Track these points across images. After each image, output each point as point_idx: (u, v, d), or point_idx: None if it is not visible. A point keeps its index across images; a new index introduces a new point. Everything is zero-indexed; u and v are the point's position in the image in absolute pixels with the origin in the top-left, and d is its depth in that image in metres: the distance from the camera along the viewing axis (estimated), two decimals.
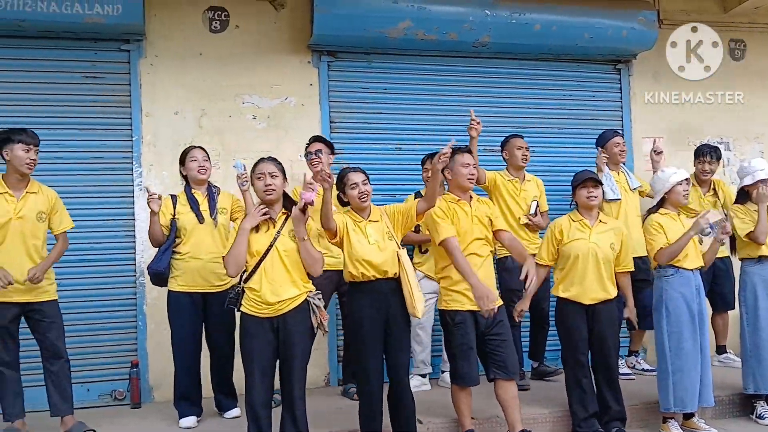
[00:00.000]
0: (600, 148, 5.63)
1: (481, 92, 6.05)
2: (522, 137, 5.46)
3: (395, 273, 3.96)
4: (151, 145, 5.36)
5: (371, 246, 3.94)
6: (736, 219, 4.86)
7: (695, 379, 4.43)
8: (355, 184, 4.01)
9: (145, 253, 5.17)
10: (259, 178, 3.76)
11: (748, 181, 4.85)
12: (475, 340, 4.13)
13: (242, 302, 3.74)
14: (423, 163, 5.31)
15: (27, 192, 4.21)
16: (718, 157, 5.80)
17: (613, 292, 4.45)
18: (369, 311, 3.93)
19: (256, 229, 3.72)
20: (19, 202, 4.18)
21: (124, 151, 5.33)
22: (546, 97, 6.24)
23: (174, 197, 4.64)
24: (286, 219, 3.77)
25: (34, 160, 4.17)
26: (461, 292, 4.10)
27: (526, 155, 5.37)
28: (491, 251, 4.31)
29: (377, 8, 5.48)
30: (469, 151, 4.34)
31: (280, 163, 3.85)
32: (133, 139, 5.33)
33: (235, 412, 4.69)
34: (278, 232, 3.71)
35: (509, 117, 6.07)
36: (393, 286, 3.96)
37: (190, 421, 4.53)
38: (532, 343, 5.56)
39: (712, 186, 5.81)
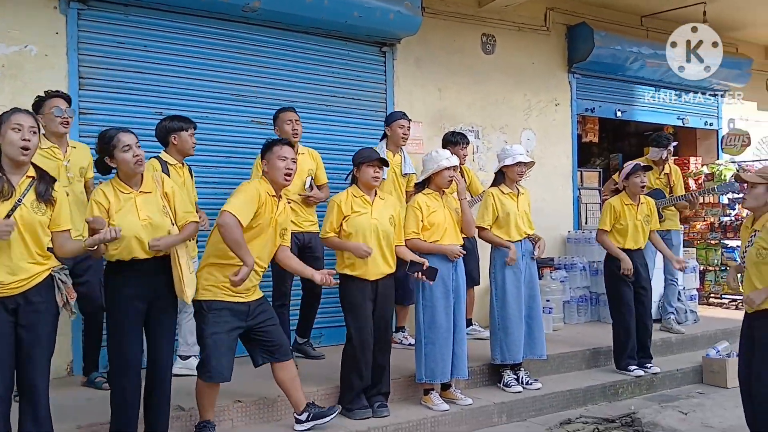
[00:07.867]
0: (387, 127, 5.73)
1: (249, 61, 5.80)
2: (293, 110, 5.25)
3: (165, 253, 3.59)
4: None
5: (141, 222, 3.53)
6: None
7: (447, 352, 4.64)
8: (128, 146, 3.53)
9: None
10: (17, 130, 3.15)
11: (508, 161, 5.12)
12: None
13: None
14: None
15: None
16: (468, 143, 6.20)
17: (393, 267, 4.53)
18: (130, 293, 3.54)
19: None
20: None
21: None
22: (315, 72, 6.14)
23: None
24: (30, 185, 3.21)
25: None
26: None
27: (297, 129, 5.15)
28: None
29: None
30: (291, 145, 4.07)
31: (38, 120, 3.29)
32: None
33: None
34: (19, 201, 3.15)
35: (278, 90, 5.90)
36: (159, 266, 3.59)
37: None
38: (303, 319, 5.48)
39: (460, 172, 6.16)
